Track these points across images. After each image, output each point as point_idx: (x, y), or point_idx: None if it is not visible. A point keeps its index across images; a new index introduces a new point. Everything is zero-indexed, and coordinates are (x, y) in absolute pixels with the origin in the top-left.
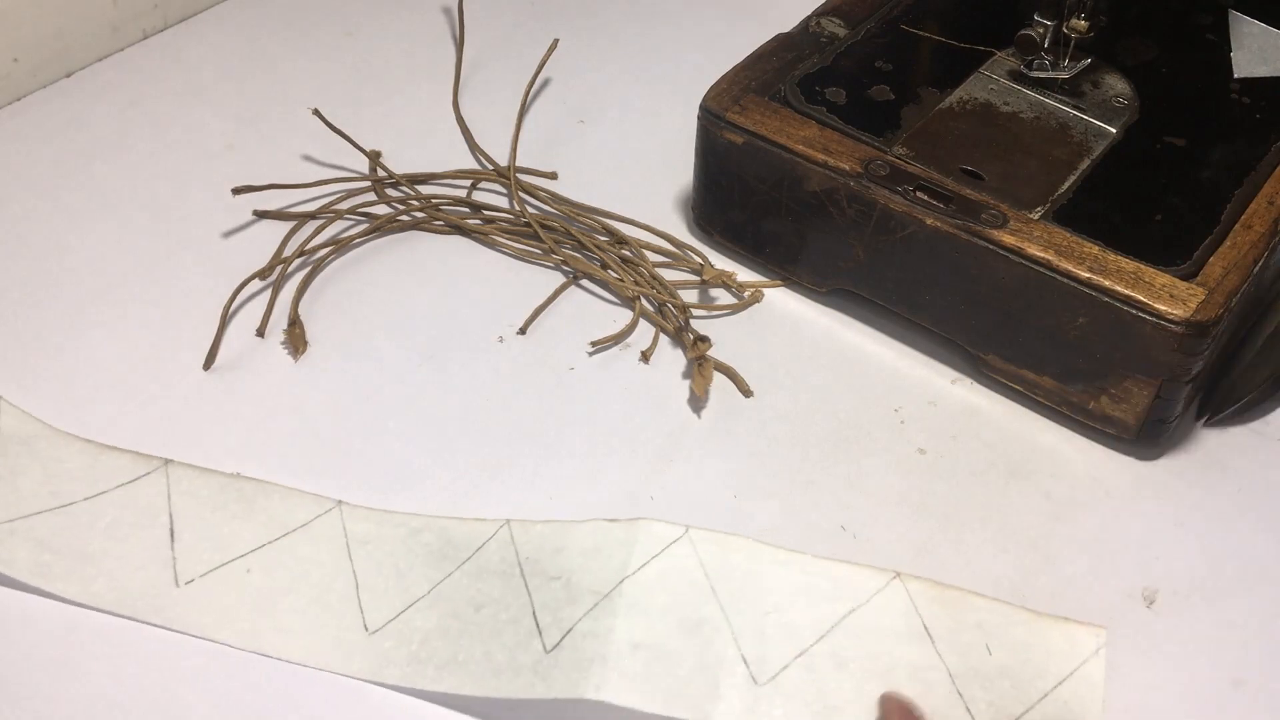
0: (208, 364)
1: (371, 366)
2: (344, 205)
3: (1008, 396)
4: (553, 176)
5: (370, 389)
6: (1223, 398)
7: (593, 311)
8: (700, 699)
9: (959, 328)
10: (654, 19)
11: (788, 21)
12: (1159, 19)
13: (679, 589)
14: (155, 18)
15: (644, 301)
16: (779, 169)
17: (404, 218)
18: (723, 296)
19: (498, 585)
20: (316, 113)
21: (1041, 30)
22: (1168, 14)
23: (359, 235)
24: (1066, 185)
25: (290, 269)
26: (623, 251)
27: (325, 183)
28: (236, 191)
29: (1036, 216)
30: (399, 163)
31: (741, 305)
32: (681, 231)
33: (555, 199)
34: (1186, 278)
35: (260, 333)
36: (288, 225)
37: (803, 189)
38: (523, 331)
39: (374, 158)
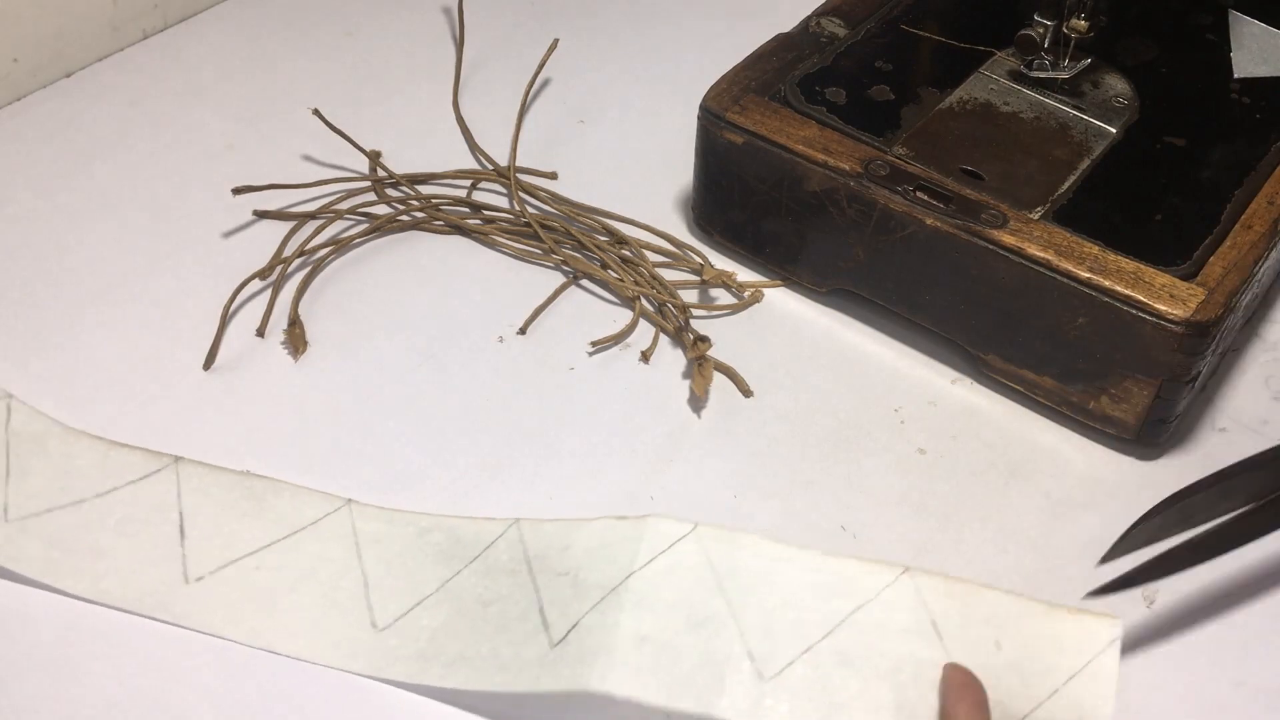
0: (208, 364)
1: (371, 366)
2: (344, 205)
3: (1008, 396)
4: (553, 176)
5: (370, 389)
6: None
7: (593, 311)
8: (705, 692)
9: (959, 328)
10: (654, 19)
11: (788, 21)
12: (1159, 19)
13: (686, 585)
14: (155, 18)
15: (644, 301)
16: (779, 169)
17: (404, 218)
18: (723, 296)
19: (506, 582)
20: (316, 113)
21: (1041, 30)
22: (1168, 14)
23: (359, 235)
24: (1066, 185)
25: (290, 269)
26: (623, 251)
27: (325, 183)
28: (236, 191)
29: (1036, 216)
30: (399, 163)
31: (741, 305)
32: (681, 231)
33: (555, 199)
34: (1186, 278)
35: (260, 333)
36: (288, 225)
37: (803, 189)
38: (523, 331)
39: (374, 158)
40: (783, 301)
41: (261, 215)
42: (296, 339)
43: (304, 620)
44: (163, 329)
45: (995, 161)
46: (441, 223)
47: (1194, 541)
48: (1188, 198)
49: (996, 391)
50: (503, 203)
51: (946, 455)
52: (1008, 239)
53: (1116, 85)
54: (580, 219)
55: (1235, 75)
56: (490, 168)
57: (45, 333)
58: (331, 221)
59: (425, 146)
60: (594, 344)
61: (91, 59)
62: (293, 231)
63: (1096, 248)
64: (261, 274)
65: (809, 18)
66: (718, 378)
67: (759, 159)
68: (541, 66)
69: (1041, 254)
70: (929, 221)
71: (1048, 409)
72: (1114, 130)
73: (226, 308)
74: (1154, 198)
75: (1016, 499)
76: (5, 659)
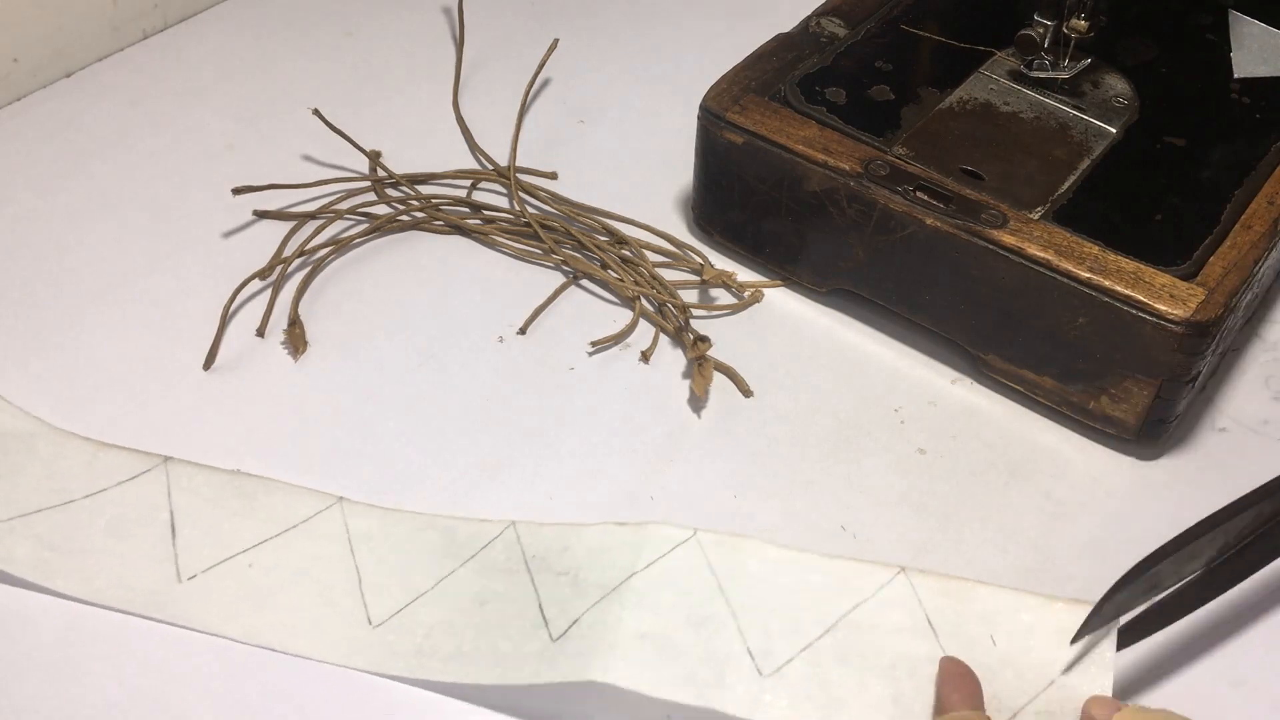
0: (208, 364)
1: (371, 366)
2: (344, 205)
3: (1008, 396)
4: (553, 176)
5: (370, 389)
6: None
7: (593, 311)
8: (706, 687)
9: (959, 328)
10: (654, 19)
11: (788, 21)
12: (1159, 19)
13: (687, 587)
14: (155, 18)
15: (644, 301)
16: (779, 169)
17: (404, 218)
18: (723, 296)
19: (503, 581)
20: (316, 113)
21: (1041, 30)
22: (1168, 14)
23: (359, 235)
24: (1066, 185)
25: (290, 269)
26: (623, 251)
27: (325, 183)
28: (236, 191)
29: (1036, 216)
30: (399, 163)
31: (741, 305)
32: (681, 231)
33: (555, 199)
34: (1186, 278)
35: (260, 333)
36: (288, 225)
37: (803, 189)
38: (523, 331)
39: (374, 158)
40: (783, 301)
41: (261, 215)
42: (296, 339)
43: (299, 617)
44: (162, 329)
45: (995, 161)
46: (441, 223)
47: (1163, 603)
48: (1188, 198)
49: (996, 391)
50: (503, 203)
51: (946, 455)
52: (1008, 239)
53: (1116, 85)
54: (580, 219)
55: (1235, 75)
56: (490, 168)
57: (45, 333)
58: (331, 221)
59: (425, 146)
60: (594, 344)
61: (91, 59)
62: (293, 231)
63: (1096, 248)
64: (261, 274)
65: (809, 18)
66: (718, 378)
67: (759, 159)
68: (541, 66)
69: (1041, 254)
70: (929, 221)
71: (1048, 409)
72: (1114, 130)
73: (226, 308)
74: (1154, 198)
75: (1016, 499)
76: (2, 660)
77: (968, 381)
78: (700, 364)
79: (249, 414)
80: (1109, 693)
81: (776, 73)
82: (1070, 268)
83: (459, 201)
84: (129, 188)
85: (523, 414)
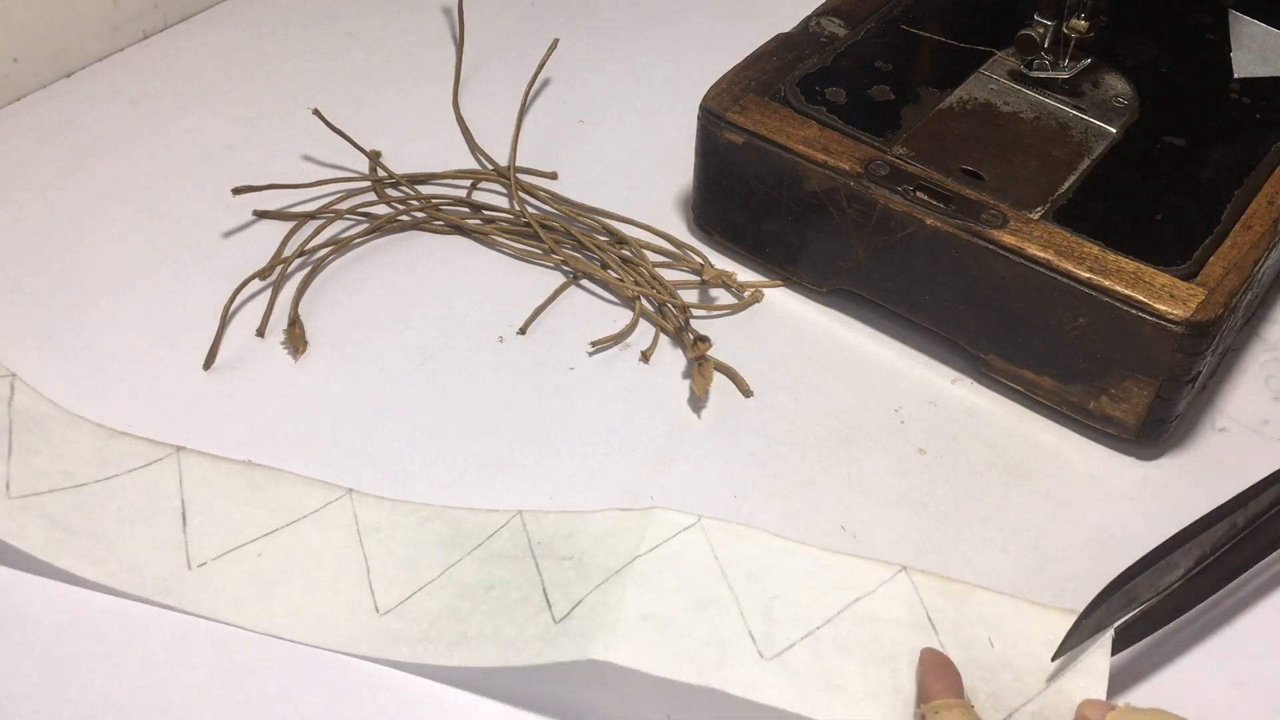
0: (208, 364)
1: (371, 367)
2: (344, 205)
3: (1008, 396)
4: (553, 176)
5: (370, 389)
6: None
7: (593, 311)
8: (707, 666)
9: (959, 328)
10: (654, 19)
11: (788, 21)
12: (1159, 19)
13: (690, 571)
14: (155, 18)
15: (644, 301)
16: (779, 169)
17: (404, 218)
18: (723, 296)
19: (508, 568)
20: (316, 113)
21: (1041, 30)
22: (1168, 14)
23: (359, 235)
24: (1066, 185)
25: (290, 269)
26: (623, 251)
27: (325, 183)
28: (236, 191)
29: (1036, 216)
30: (399, 163)
31: (741, 305)
32: (681, 231)
33: (555, 199)
34: (1186, 278)
35: (260, 333)
36: (288, 225)
37: (803, 189)
38: (523, 331)
39: (374, 158)
40: (783, 301)
41: (261, 215)
42: (296, 339)
43: (307, 605)
44: (163, 329)
45: (995, 161)
46: (441, 223)
47: (1151, 610)
48: (1188, 198)
49: (996, 391)
50: (503, 203)
51: (946, 455)
52: (1008, 239)
53: (1116, 85)
54: (580, 219)
55: (1235, 75)
56: (490, 168)
57: (45, 333)
58: (331, 221)
59: (425, 146)
60: (594, 344)
61: (91, 59)
62: (293, 231)
63: (1096, 248)
64: (261, 274)
65: (809, 18)
66: (718, 378)
67: (759, 159)
68: (541, 66)
69: (1041, 254)
70: (929, 221)
71: (1048, 409)
72: (1114, 130)
73: (226, 308)
74: (1154, 198)
75: (1016, 499)
76: (8, 647)
77: (968, 381)
78: (700, 364)
79: (249, 414)
80: (1103, 697)
81: (776, 73)
82: (1070, 268)
83: (459, 201)
84: (129, 188)
85: (523, 414)
